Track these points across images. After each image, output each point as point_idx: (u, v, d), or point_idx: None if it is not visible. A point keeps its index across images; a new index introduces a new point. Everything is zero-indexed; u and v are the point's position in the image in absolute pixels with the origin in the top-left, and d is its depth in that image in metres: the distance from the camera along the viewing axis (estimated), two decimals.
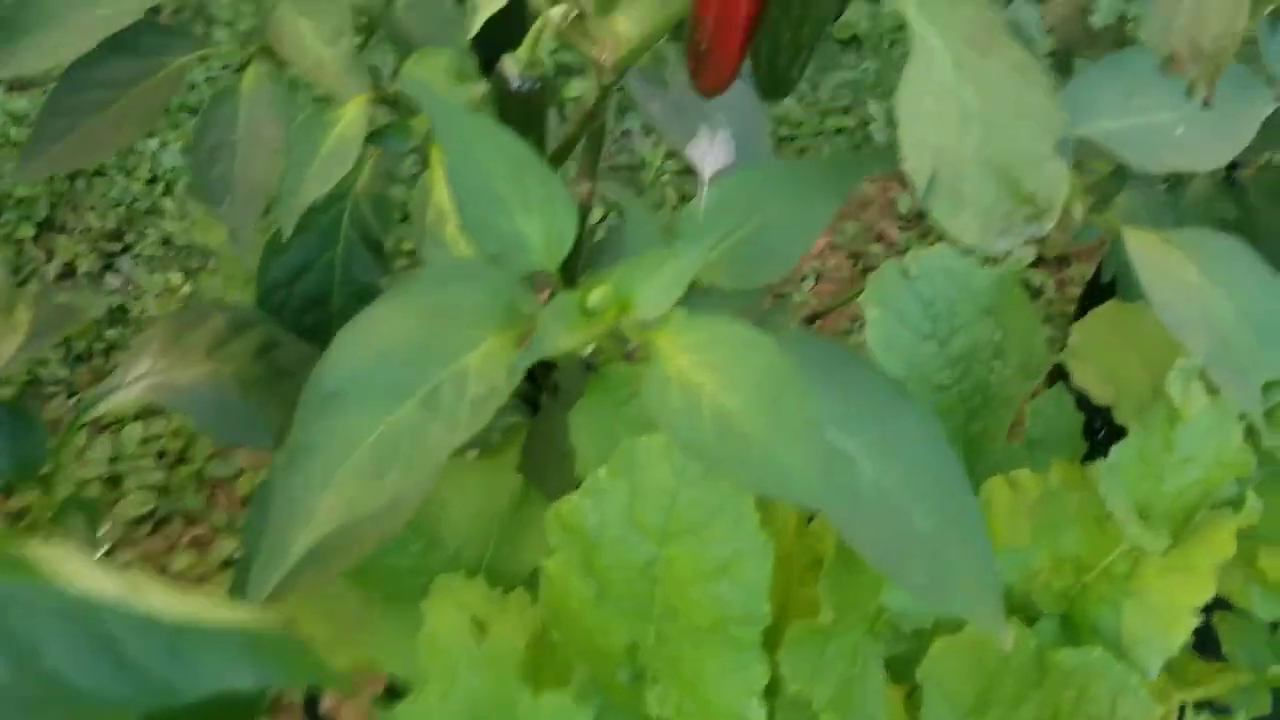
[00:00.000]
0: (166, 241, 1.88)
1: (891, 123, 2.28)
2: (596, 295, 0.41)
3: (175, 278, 1.81)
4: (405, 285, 0.41)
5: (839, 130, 2.35)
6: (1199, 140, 0.61)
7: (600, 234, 0.84)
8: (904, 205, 2.16)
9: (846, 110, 2.39)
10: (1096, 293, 1.23)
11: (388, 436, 0.38)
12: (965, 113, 0.41)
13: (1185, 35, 0.37)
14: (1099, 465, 0.58)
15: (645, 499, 0.50)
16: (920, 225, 2.12)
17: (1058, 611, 0.58)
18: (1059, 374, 0.65)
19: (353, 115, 0.54)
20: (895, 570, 0.44)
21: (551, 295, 0.43)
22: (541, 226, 0.42)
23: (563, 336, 0.40)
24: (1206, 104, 0.39)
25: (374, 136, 0.56)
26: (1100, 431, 0.69)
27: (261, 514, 0.45)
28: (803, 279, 2.05)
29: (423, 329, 0.39)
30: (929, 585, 0.43)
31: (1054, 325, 1.80)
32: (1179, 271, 0.55)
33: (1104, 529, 0.55)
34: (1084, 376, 0.61)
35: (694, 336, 0.40)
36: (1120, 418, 0.60)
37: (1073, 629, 0.59)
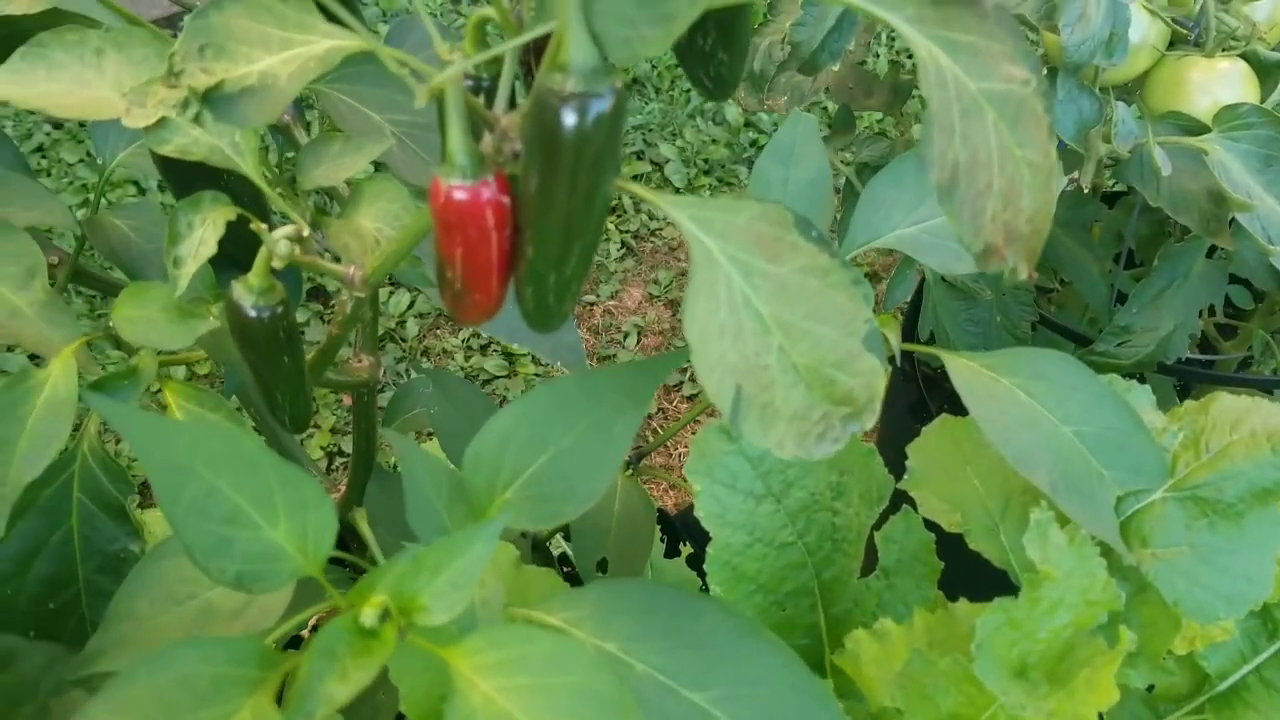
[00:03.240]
0: None
1: (686, 163, 2.27)
2: (372, 610, 0.34)
3: None
4: (116, 683, 0.33)
5: (635, 176, 2.32)
6: None
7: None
8: None
9: (640, 155, 2.37)
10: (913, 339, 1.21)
11: None
12: (761, 324, 0.36)
13: (999, 222, 0.33)
14: (963, 608, 0.55)
15: None
16: None
17: None
18: (902, 494, 0.61)
19: (62, 371, 0.46)
20: None
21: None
22: (295, 530, 0.35)
23: (338, 681, 0.33)
24: (1030, 280, 0.34)
25: (97, 386, 0.48)
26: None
27: None
28: (625, 336, 2.00)
29: None
30: None
31: None
32: (1009, 400, 0.51)
33: (978, 684, 0.51)
34: (929, 506, 0.57)
35: (497, 655, 0.33)
36: (973, 544, 0.57)
37: None
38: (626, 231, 2.23)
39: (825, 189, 0.64)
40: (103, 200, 0.57)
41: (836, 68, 1.00)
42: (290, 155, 0.58)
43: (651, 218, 2.25)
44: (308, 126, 0.60)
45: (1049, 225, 0.35)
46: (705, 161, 2.35)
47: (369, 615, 0.34)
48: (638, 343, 2.00)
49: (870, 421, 0.38)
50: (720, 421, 0.55)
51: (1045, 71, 0.80)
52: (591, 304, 2.07)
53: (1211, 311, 1.14)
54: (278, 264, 0.42)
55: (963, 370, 0.53)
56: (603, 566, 0.68)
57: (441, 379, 0.79)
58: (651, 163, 2.36)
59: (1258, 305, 1.19)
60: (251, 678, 0.33)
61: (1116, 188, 1.32)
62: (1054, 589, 0.47)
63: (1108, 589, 0.49)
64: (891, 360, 0.62)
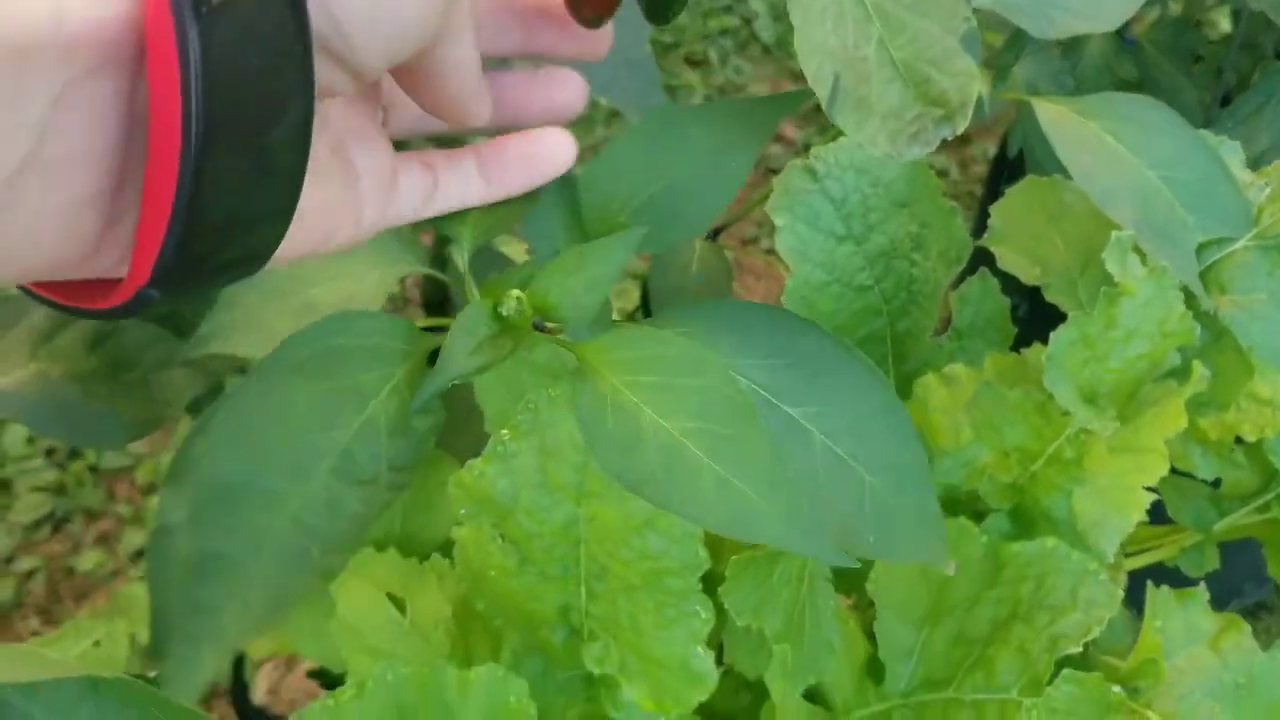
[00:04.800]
0: None
1: (776, 18, 2.23)
2: (511, 301, 0.36)
3: None
4: (284, 345, 0.35)
5: (723, 31, 2.28)
6: (1096, 1, 0.58)
7: None
8: None
9: (729, 9, 2.33)
10: (1003, 168, 1.20)
11: (299, 525, 0.34)
12: (863, 10, 0.36)
13: None
14: (1035, 351, 0.56)
15: (556, 458, 0.45)
16: (818, 121, 2.08)
17: (1007, 505, 0.56)
18: (979, 259, 0.62)
19: None
20: (821, 546, 0.41)
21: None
22: None
23: (474, 353, 0.35)
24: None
25: None
26: (1018, 309, 0.67)
27: (163, 566, 0.41)
28: None
29: (316, 387, 0.34)
30: (877, 543, 0.40)
31: (961, 204, 1.78)
32: (1096, 142, 0.51)
33: (1047, 416, 0.52)
34: (1009, 260, 0.58)
35: (628, 353, 0.35)
36: (1051, 297, 0.57)
37: (1024, 520, 0.56)
38: (712, 86, 2.21)
39: None
40: None
41: None
42: None
43: (738, 72, 2.22)
44: None
45: None
46: None
47: (508, 304, 0.36)
48: None
49: (962, 125, 0.39)
50: (804, 161, 0.56)
51: None
52: None
53: None
54: None
55: (1051, 113, 0.53)
56: None
57: None
58: (741, 18, 2.33)
59: None
60: (402, 350, 0.36)
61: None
62: (1130, 313, 0.48)
63: (1184, 320, 0.49)
64: (980, 108, 0.62)
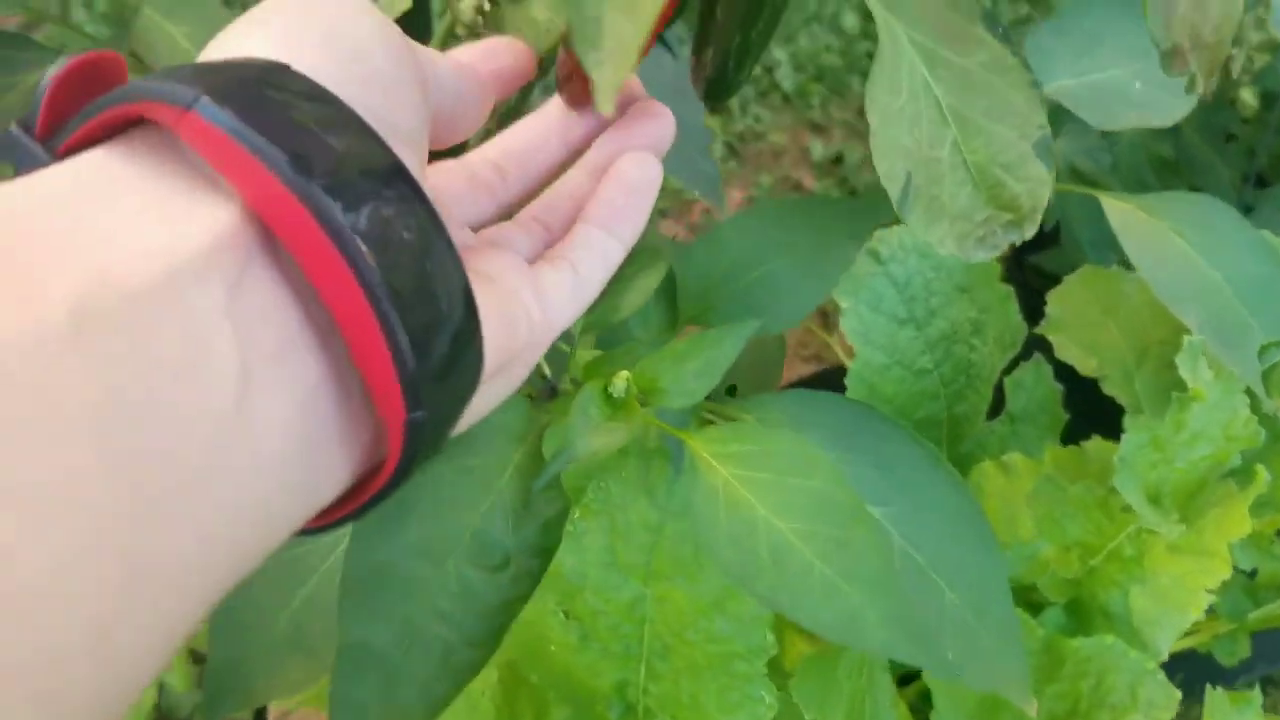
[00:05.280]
0: None
1: (797, 67, 2.24)
2: (620, 383, 0.36)
3: None
4: None
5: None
6: (1157, 95, 0.59)
7: None
8: (817, 153, 2.13)
9: None
10: (1035, 241, 1.21)
11: (437, 614, 0.34)
12: (939, 114, 0.37)
13: (1187, 25, 0.34)
14: (1096, 445, 0.56)
15: (626, 539, 0.45)
16: (836, 173, 2.09)
17: (1063, 599, 0.56)
18: (1032, 345, 0.62)
19: None
20: (925, 654, 0.41)
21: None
22: None
23: (593, 436, 0.35)
24: (1204, 98, 0.35)
25: None
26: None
27: (227, 624, 0.41)
28: None
29: (450, 465, 0.34)
30: (958, 662, 0.40)
31: None
32: (1164, 242, 0.52)
33: (1109, 512, 0.52)
34: (1066, 350, 0.58)
35: (739, 447, 0.35)
36: (1108, 389, 0.58)
37: (1080, 614, 0.56)
38: (732, 134, 2.22)
39: None
40: None
41: None
42: None
43: (757, 120, 2.24)
44: None
45: (1229, 44, 0.35)
46: (817, 68, 2.32)
47: (618, 386, 0.36)
48: None
49: (1030, 232, 0.39)
50: (869, 243, 0.56)
51: None
52: (691, 201, 2.08)
53: None
54: (461, 31, 0.44)
55: (1118, 211, 0.53)
56: (731, 392, 0.69)
57: None
58: (762, 66, 2.35)
59: None
60: (520, 430, 0.36)
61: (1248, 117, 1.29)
62: (1198, 416, 0.48)
63: (1249, 425, 0.49)
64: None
